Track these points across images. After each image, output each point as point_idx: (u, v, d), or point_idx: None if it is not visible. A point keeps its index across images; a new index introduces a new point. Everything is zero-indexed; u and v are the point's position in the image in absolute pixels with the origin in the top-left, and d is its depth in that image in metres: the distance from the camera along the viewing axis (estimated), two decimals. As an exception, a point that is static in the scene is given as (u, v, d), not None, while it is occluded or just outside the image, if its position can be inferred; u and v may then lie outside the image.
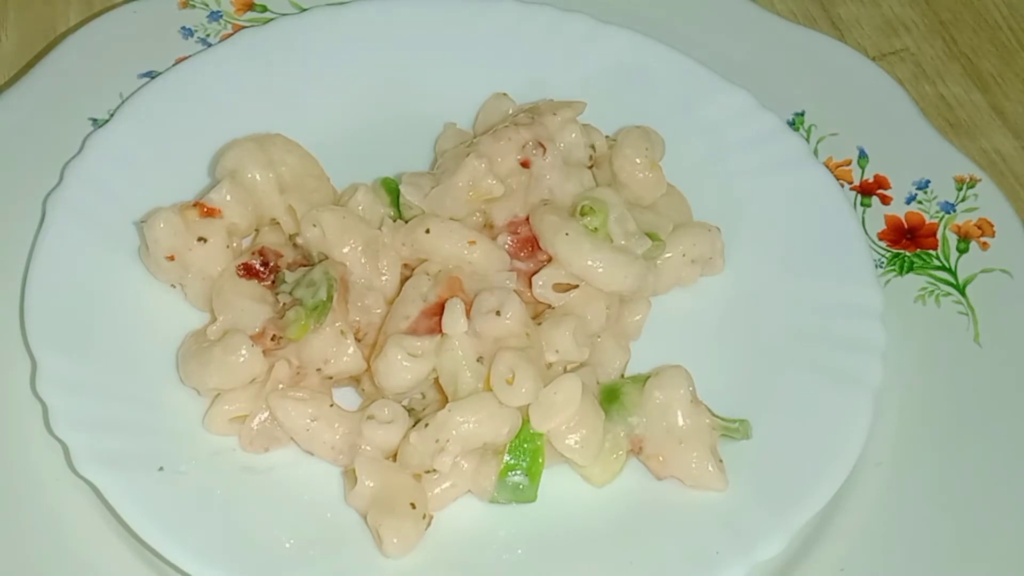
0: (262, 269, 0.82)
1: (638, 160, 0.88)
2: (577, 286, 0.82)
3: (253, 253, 0.83)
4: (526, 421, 0.76)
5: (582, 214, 0.83)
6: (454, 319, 0.77)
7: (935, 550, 0.79)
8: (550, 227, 0.82)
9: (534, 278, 0.82)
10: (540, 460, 0.77)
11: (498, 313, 0.77)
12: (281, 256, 0.83)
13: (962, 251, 0.92)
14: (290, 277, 0.82)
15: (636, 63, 0.96)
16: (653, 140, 0.89)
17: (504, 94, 0.92)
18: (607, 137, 0.90)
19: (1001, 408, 0.85)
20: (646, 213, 0.87)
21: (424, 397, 0.80)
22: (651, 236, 0.85)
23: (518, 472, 0.76)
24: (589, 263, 0.81)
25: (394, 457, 0.77)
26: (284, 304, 0.81)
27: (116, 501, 0.74)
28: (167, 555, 0.73)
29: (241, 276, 0.82)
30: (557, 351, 0.79)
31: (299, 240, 0.84)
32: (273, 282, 0.82)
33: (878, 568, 0.79)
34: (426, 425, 0.75)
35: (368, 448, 0.76)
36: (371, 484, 0.75)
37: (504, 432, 0.76)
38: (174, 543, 0.73)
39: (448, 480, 0.76)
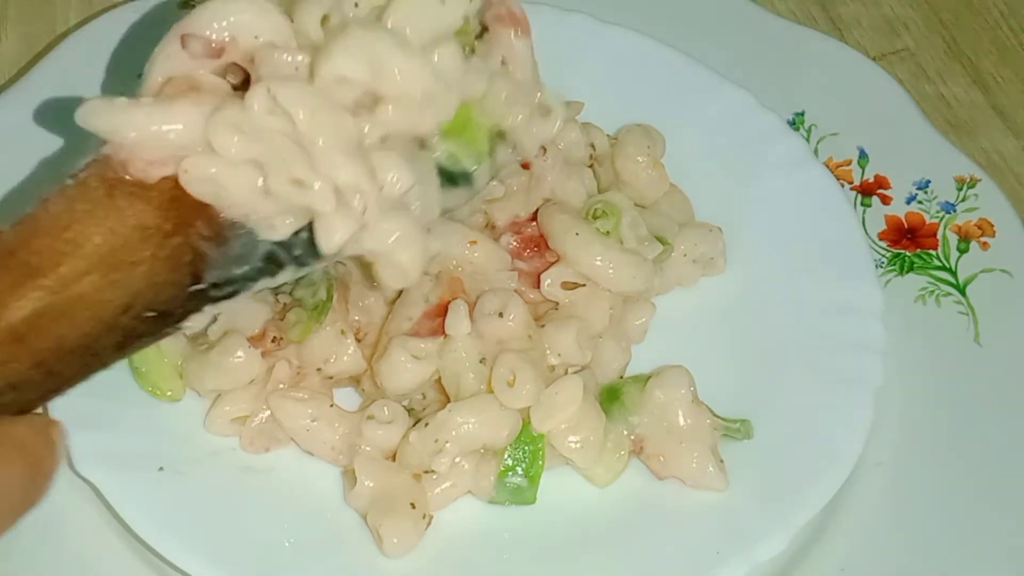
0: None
1: (640, 159, 0.88)
2: (584, 284, 0.82)
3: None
4: (527, 423, 0.76)
5: (594, 217, 0.83)
6: (458, 321, 0.76)
7: (935, 550, 0.79)
8: (560, 226, 0.82)
9: (542, 276, 0.81)
10: (540, 462, 0.76)
11: (500, 315, 0.77)
12: None
13: (962, 251, 0.92)
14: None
15: (636, 63, 0.96)
16: (654, 138, 0.89)
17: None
18: (608, 136, 0.90)
19: (1001, 408, 0.85)
20: (653, 216, 0.87)
21: (425, 397, 0.80)
22: (659, 239, 0.85)
23: (518, 474, 0.76)
24: (598, 262, 0.81)
25: (394, 457, 0.77)
26: (284, 304, 0.81)
27: (116, 501, 0.74)
28: (167, 555, 0.73)
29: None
30: (559, 354, 0.79)
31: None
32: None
33: (878, 568, 0.79)
34: (426, 425, 0.75)
35: (368, 448, 0.76)
36: (371, 484, 0.75)
37: (504, 435, 0.76)
38: (174, 543, 0.73)
39: (448, 480, 0.76)
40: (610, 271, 0.81)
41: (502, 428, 0.75)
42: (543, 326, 0.80)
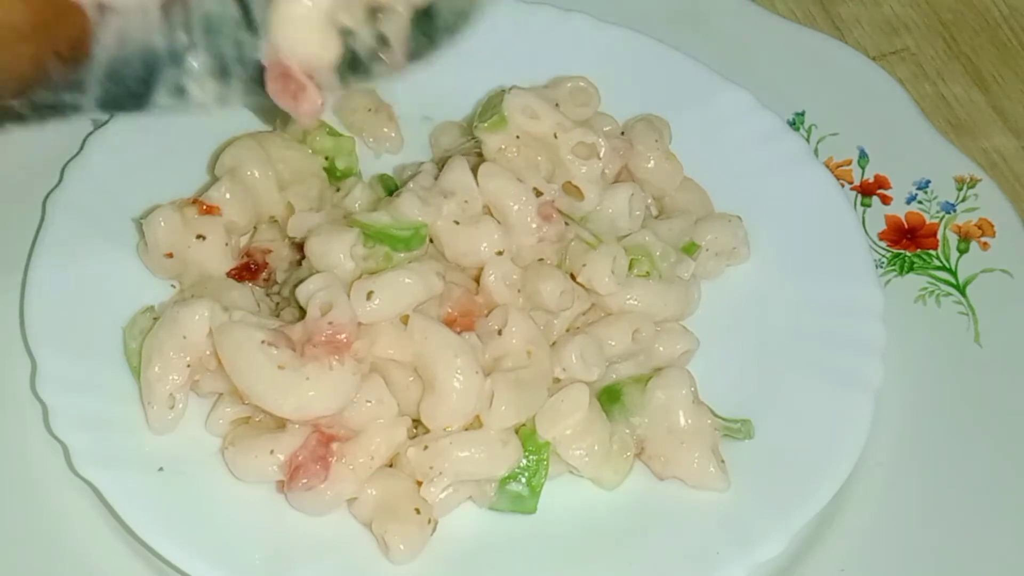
0: (254, 268, 0.83)
1: (650, 154, 0.88)
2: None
3: (242, 254, 0.83)
4: (532, 431, 0.76)
5: (630, 267, 0.82)
6: None
7: (936, 550, 0.80)
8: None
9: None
10: (543, 472, 0.76)
11: (500, 332, 0.77)
12: (270, 252, 0.83)
13: (962, 251, 0.92)
14: (281, 276, 0.83)
15: (635, 62, 0.96)
16: (660, 128, 0.89)
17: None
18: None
19: (1001, 408, 0.85)
20: (673, 222, 0.86)
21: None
22: (687, 249, 0.85)
23: (520, 482, 0.76)
24: (633, 302, 0.81)
25: (391, 463, 0.77)
26: (277, 303, 0.81)
27: (116, 501, 0.74)
28: (167, 555, 0.73)
29: (235, 277, 0.82)
30: (564, 369, 0.78)
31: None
32: (267, 279, 0.83)
33: (878, 568, 0.79)
34: (425, 447, 0.75)
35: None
36: (374, 492, 0.75)
37: (500, 472, 0.75)
38: (174, 543, 0.73)
39: (449, 487, 0.76)
40: (642, 304, 0.81)
41: (500, 466, 0.75)
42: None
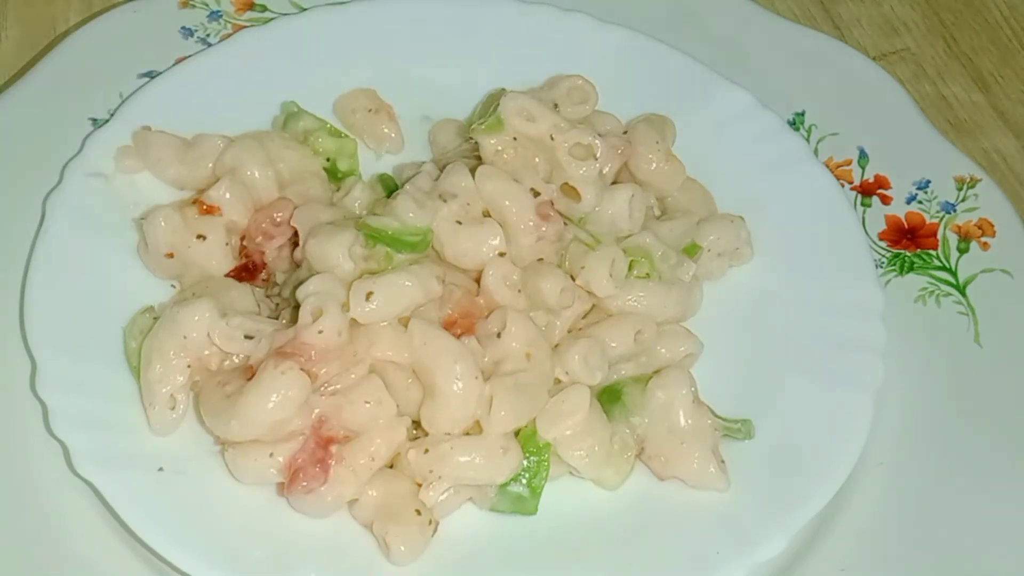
0: (253, 268, 0.83)
1: (651, 155, 0.88)
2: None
3: (241, 253, 0.83)
4: (533, 432, 0.76)
5: (630, 268, 0.82)
6: None
7: (935, 550, 0.79)
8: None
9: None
10: (544, 473, 0.76)
11: (499, 335, 0.77)
12: (264, 251, 0.84)
13: (962, 251, 0.92)
14: (281, 277, 0.83)
15: (636, 62, 0.96)
16: (663, 129, 0.89)
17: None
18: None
19: (1001, 408, 0.85)
20: (676, 223, 0.86)
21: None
22: (689, 250, 0.85)
23: (521, 483, 0.76)
24: (629, 302, 0.81)
25: (391, 464, 0.77)
26: (277, 304, 0.81)
27: (116, 501, 0.74)
28: (167, 555, 0.73)
29: (235, 278, 0.82)
30: (567, 372, 0.78)
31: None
32: (266, 280, 0.83)
33: (878, 568, 0.79)
34: (425, 451, 0.75)
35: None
36: (374, 493, 0.75)
37: (499, 478, 0.75)
38: (174, 543, 0.73)
39: (449, 490, 0.76)
40: (643, 305, 0.81)
41: (500, 473, 0.75)
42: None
